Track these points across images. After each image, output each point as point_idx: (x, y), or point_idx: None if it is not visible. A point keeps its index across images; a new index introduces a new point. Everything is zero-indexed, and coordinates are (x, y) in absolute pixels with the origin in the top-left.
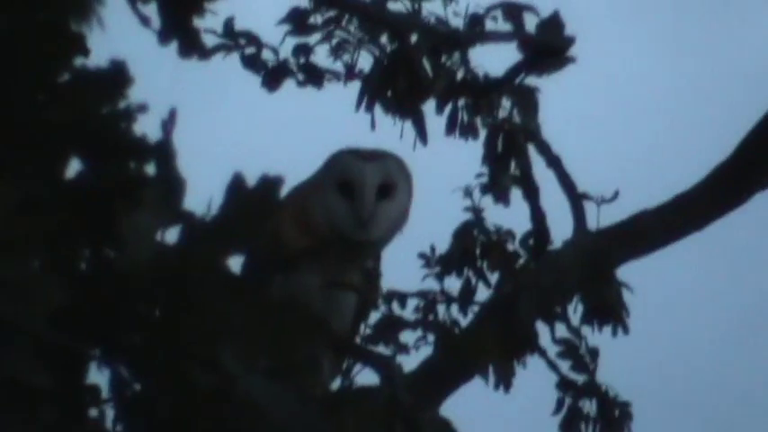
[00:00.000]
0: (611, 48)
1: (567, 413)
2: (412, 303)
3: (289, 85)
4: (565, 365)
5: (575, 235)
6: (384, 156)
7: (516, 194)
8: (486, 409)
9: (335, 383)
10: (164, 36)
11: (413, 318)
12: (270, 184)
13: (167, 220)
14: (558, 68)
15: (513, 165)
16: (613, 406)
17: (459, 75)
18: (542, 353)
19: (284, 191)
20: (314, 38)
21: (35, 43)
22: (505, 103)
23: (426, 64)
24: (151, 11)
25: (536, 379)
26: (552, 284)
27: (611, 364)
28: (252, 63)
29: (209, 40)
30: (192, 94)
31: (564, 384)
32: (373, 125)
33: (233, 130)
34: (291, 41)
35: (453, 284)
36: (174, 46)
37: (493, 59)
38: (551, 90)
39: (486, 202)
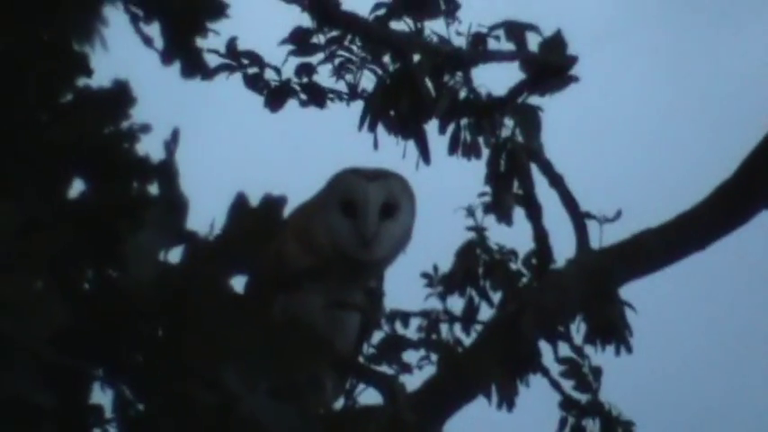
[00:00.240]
0: (612, 67)
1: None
2: (415, 323)
3: (291, 105)
4: (568, 384)
5: (577, 254)
6: (387, 175)
7: (519, 214)
8: (488, 429)
9: (338, 403)
10: (166, 56)
11: (416, 337)
12: (273, 203)
13: (170, 240)
14: (560, 87)
15: (515, 184)
16: (616, 425)
17: (462, 94)
18: (545, 372)
19: (287, 210)
20: (317, 58)
21: (38, 63)
22: (508, 122)
23: (429, 83)
24: (154, 31)
25: (539, 398)
26: (555, 303)
27: (615, 384)
28: (254, 83)
29: (212, 61)
30: (195, 115)
31: (567, 403)
32: (376, 145)
33: (236, 150)
34: (294, 61)
35: (456, 304)
36: (176, 66)
37: (495, 79)
38: (554, 109)
39: (489, 222)
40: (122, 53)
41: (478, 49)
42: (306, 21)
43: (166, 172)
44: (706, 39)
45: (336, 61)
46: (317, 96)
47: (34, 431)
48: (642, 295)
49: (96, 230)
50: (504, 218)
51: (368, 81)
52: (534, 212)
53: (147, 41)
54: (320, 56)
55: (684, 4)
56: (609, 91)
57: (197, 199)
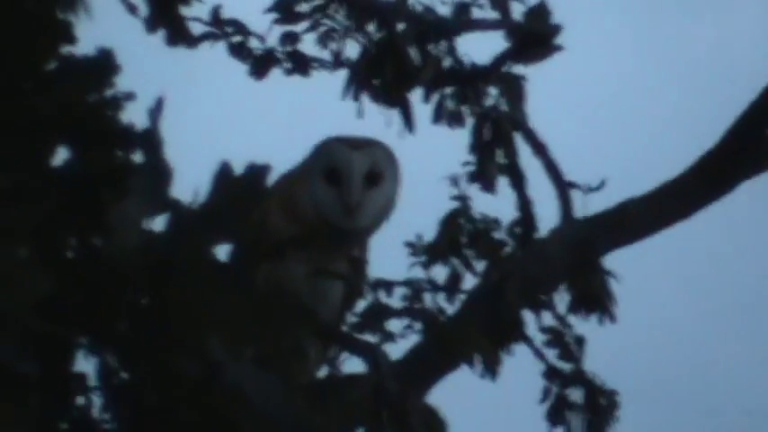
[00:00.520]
0: (596, 35)
1: (553, 402)
2: (398, 292)
3: (276, 73)
4: (551, 354)
5: (561, 223)
6: (371, 144)
7: (503, 183)
8: (472, 398)
9: (322, 371)
10: (151, 24)
11: (399, 306)
12: (257, 172)
13: (154, 209)
14: (544, 57)
15: (499, 153)
16: (600, 394)
17: (446, 63)
18: (529, 341)
19: (271, 179)
20: (301, 26)
21: (22, 32)
22: (492, 91)
23: (413, 52)
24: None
25: (522, 367)
26: (538, 273)
27: (598, 353)
28: (239, 51)
29: (196, 29)
30: (179, 83)
31: (550, 373)
32: (360, 113)
33: (220, 118)
34: (278, 30)
35: (440, 273)
36: (161, 34)
37: (480, 48)
38: (538, 78)
39: (473, 191)
40: (107, 21)
41: (462, 18)
42: None
43: (150, 140)
44: (686, 7)
45: (321, 30)
46: (301, 65)
47: (18, 399)
48: (626, 264)
49: (80, 199)
50: (488, 187)
51: (352, 50)
52: (518, 182)
53: (132, 9)
54: (304, 24)
55: None
56: (593, 59)
57: (181, 167)
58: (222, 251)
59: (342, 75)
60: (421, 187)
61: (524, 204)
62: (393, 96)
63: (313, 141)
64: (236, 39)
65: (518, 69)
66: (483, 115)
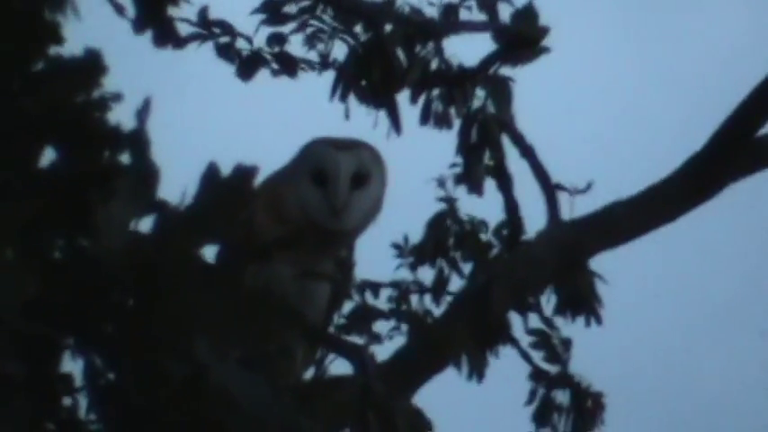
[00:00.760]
0: (583, 37)
1: (539, 404)
2: (385, 293)
3: (263, 74)
4: (538, 356)
5: (548, 225)
6: (358, 145)
7: (490, 185)
8: (458, 400)
9: (309, 373)
10: (138, 25)
11: (386, 308)
12: (244, 173)
13: (141, 210)
14: (532, 59)
15: (486, 155)
16: (586, 396)
17: (434, 64)
18: (515, 343)
19: (258, 180)
20: (288, 27)
21: (9, 32)
22: (479, 93)
23: (401, 54)
24: (126, 0)
25: (509, 369)
26: (525, 275)
27: (585, 355)
28: (226, 52)
29: (184, 29)
30: (166, 84)
31: (537, 375)
32: (347, 115)
33: (207, 119)
34: (266, 31)
35: (426, 275)
36: (148, 35)
37: (467, 49)
38: (525, 80)
39: (460, 193)
40: (94, 21)
41: (450, 20)
42: None
43: (138, 141)
44: (674, 11)
45: (308, 31)
46: (288, 66)
47: (3, 400)
48: (612, 266)
49: (67, 199)
50: (475, 189)
51: (339, 51)
52: (505, 183)
53: (120, 10)
54: (292, 25)
55: None
56: (580, 61)
57: (168, 168)
58: (209, 252)
59: (329, 76)
60: (408, 189)
61: (511, 206)
62: (380, 98)
63: (300, 142)
64: (224, 39)
65: (505, 71)
66: (470, 117)
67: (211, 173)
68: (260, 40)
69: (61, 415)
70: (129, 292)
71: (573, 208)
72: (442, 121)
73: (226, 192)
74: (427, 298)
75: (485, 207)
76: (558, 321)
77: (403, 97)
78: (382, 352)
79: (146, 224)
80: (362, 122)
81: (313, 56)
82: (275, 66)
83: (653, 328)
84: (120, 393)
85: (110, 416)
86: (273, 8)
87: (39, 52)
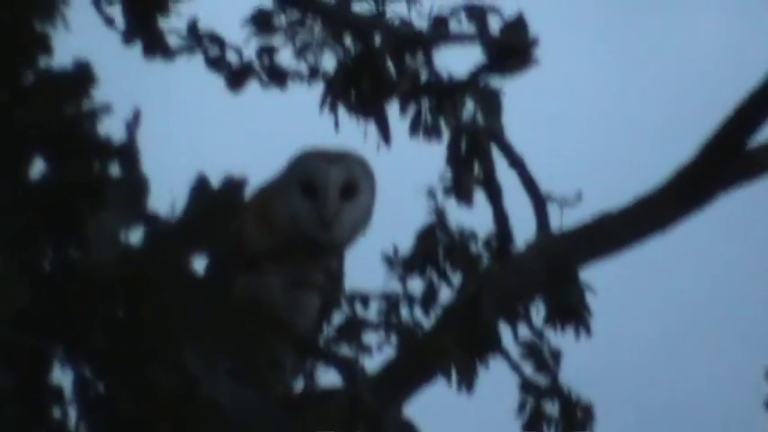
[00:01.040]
0: (573, 49)
1: (529, 414)
2: (375, 305)
3: (253, 86)
4: (528, 367)
5: (537, 236)
6: (347, 156)
7: (479, 196)
8: (448, 411)
9: (298, 384)
10: (128, 37)
11: (375, 319)
12: (233, 184)
13: (131, 221)
14: (521, 70)
15: (476, 166)
16: (576, 407)
17: (423, 76)
18: (505, 354)
19: (248, 192)
20: (278, 39)
21: None
22: (469, 104)
23: (390, 65)
24: (115, 12)
25: (499, 380)
26: (515, 286)
27: (574, 366)
28: (216, 64)
29: (174, 42)
30: (156, 96)
31: (527, 386)
32: (337, 126)
33: (197, 131)
34: (255, 42)
35: (416, 286)
36: (138, 47)
37: (457, 61)
38: (515, 91)
39: (450, 204)
40: (84, 33)
41: (440, 31)
42: (267, 2)
43: (127, 153)
44: (659, 21)
45: (298, 43)
46: (278, 78)
47: None
48: (602, 278)
49: (57, 211)
50: (465, 200)
51: (329, 62)
52: (495, 195)
53: (109, 22)
54: (281, 37)
55: None
56: (569, 73)
57: (158, 180)
58: (199, 264)
59: (319, 87)
60: (397, 200)
61: (501, 217)
62: (370, 109)
63: (289, 154)
64: (214, 51)
65: (495, 82)
66: (460, 128)
67: (201, 184)
68: (250, 52)
69: (51, 426)
70: (118, 303)
71: (562, 219)
72: (432, 133)
73: (215, 203)
74: (417, 309)
75: (474, 218)
76: (548, 332)
77: (392, 108)
78: (372, 363)
79: (135, 235)
80: (352, 134)
81: (303, 67)
82: (265, 77)
83: (643, 339)
84: (109, 404)
85: (99, 427)
86: (263, 20)
87: (28, 64)
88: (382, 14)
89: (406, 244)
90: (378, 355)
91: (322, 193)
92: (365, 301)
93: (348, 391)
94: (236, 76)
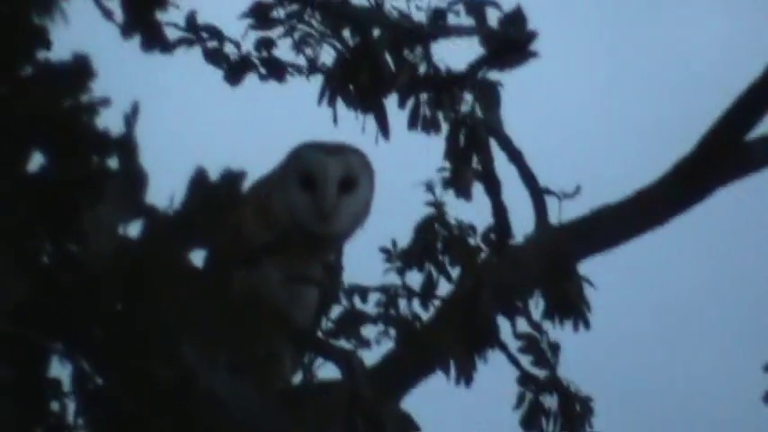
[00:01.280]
0: (571, 42)
1: (528, 408)
2: (373, 298)
3: (251, 79)
4: (526, 360)
5: (536, 230)
6: (346, 150)
7: (478, 189)
8: (447, 404)
9: (297, 377)
10: (126, 30)
11: (374, 312)
12: (232, 178)
13: (129, 214)
14: (520, 63)
15: (474, 159)
16: (575, 401)
17: (422, 69)
18: (503, 348)
19: (246, 185)
20: (276, 32)
21: None
22: (467, 97)
23: (389, 58)
24: (114, 4)
25: (497, 374)
26: (513, 279)
27: (573, 360)
28: (214, 57)
29: (172, 34)
30: (154, 88)
31: (525, 379)
32: (335, 119)
33: (195, 124)
34: (254, 35)
35: (415, 279)
36: (136, 40)
37: (455, 54)
38: (513, 84)
39: (448, 197)
40: (82, 26)
41: (438, 24)
42: None
43: (126, 146)
44: (663, 14)
45: (296, 35)
46: (276, 70)
47: None
48: (600, 272)
49: (55, 204)
50: (464, 193)
51: (328, 55)
52: (493, 188)
53: (108, 14)
54: (280, 30)
55: None
56: (568, 66)
57: (156, 173)
58: (197, 257)
59: (317, 80)
60: (396, 193)
61: (499, 211)
62: (368, 102)
63: (288, 147)
64: (212, 44)
65: (494, 76)
66: (458, 121)
67: (199, 177)
68: (248, 45)
69: (49, 419)
70: (117, 296)
71: (561, 212)
72: (430, 126)
73: (214, 197)
74: (416, 302)
75: (473, 211)
76: (547, 326)
77: (391, 102)
78: (370, 357)
79: (134, 229)
80: (350, 127)
81: (301, 60)
82: (263, 70)
83: (641, 332)
84: (108, 398)
85: (98, 420)
86: (261, 12)
87: (27, 57)
88: (380, 7)
89: (404, 237)
90: (376, 348)
91: (321, 187)
92: (363, 294)
93: (346, 385)
94: (235, 69)
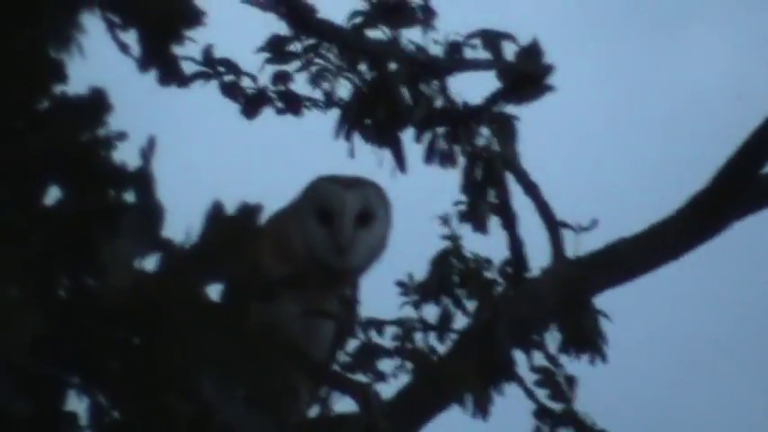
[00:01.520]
0: (588, 75)
1: None
2: (390, 331)
3: (268, 112)
4: (542, 394)
5: (552, 263)
6: (363, 183)
7: (494, 222)
8: None
9: (313, 411)
10: (143, 64)
11: (391, 345)
12: (249, 211)
13: (146, 248)
14: (536, 96)
15: (491, 193)
16: None
17: (438, 103)
18: (520, 381)
19: (263, 218)
20: (293, 66)
21: (14, 70)
22: (484, 131)
23: (405, 92)
24: (130, 38)
25: (514, 407)
26: (530, 312)
27: (589, 393)
28: (231, 91)
29: (189, 68)
30: (171, 122)
31: (542, 413)
32: (352, 153)
33: (212, 157)
34: (270, 69)
35: (431, 312)
36: (153, 74)
37: (472, 87)
38: (530, 118)
39: (465, 230)
40: (99, 60)
41: (455, 58)
42: (282, 29)
43: (142, 180)
44: (678, 48)
45: (313, 69)
46: (293, 104)
47: None
48: (617, 304)
49: (72, 238)
50: (480, 227)
51: (344, 89)
52: (509, 221)
53: (124, 48)
54: (297, 64)
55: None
56: (585, 100)
57: (173, 207)
58: (214, 291)
59: (334, 114)
60: (412, 227)
61: (516, 244)
62: (385, 136)
63: (305, 181)
64: (228, 78)
65: (510, 109)
66: (475, 155)
67: (216, 211)
68: (265, 79)
69: None
70: (134, 330)
71: (577, 246)
72: (447, 160)
73: (231, 230)
74: (432, 336)
75: (489, 245)
76: (563, 359)
77: (407, 135)
78: (387, 390)
79: (151, 262)
80: (367, 161)
81: (318, 94)
82: (280, 104)
83: (658, 366)
84: None
85: None
86: (278, 47)
87: (43, 91)
88: (397, 41)
89: (420, 271)
90: (393, 381)
91: (338, 221)
92: (380, 327)
93: (363, 418)
94: (251, 103)
